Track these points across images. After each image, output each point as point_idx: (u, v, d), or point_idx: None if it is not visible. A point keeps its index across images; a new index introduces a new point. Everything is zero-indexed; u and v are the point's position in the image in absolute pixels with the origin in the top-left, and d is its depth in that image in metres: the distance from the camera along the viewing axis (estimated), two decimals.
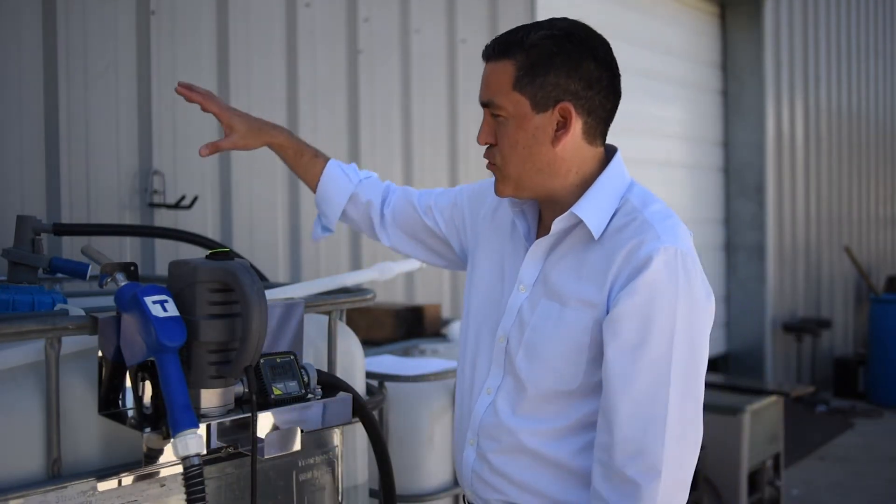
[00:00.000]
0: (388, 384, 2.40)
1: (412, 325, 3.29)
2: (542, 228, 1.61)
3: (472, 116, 4.31)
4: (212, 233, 3.17)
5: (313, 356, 1.77)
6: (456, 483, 2.49)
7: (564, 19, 1.50)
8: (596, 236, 1.48)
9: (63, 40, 2.72)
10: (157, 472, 1.40)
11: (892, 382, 7.75)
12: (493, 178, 1.59)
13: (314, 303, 1.77)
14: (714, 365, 7.35)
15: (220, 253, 1.38)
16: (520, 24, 1.56)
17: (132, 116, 2.94)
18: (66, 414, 1.35)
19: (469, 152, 4.40)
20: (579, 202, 1.49)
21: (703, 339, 1.44)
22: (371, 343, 3.02)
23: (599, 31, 1.54)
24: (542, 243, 1.55)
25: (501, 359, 1.58)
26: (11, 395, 1.32)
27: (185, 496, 1.26)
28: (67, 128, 2.74)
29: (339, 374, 1.80)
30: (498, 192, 1.55)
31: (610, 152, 1.57)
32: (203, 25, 3.18)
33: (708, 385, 4.99)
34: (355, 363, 1.91)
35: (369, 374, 2.26)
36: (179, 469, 1.28)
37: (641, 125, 6.39)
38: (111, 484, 1.36)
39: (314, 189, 1.93)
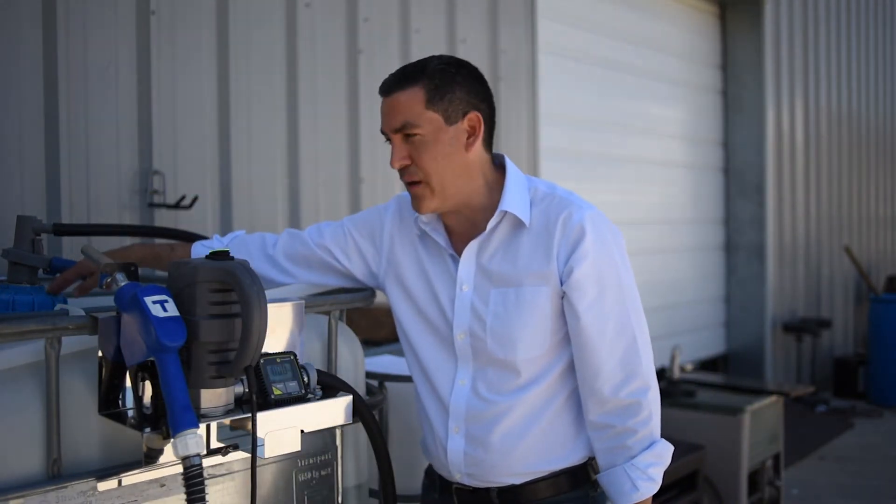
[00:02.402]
0: (388, 384, 2.40)
1: None
2: (453, 238, 1.80)
3: None
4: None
5: (313, 356, 1.77)
6: None
7: (445, 54, 1.76)
8: (527, 223, 1.71)
9: (63, 40, 2.71)
10: (157, 473, 1.40)
11: (892, 382, 7.75)
12: (396, 208, 1.86)
13: (314, 303, 1.77)
14: (714, 365, 7.36)
15: (220, 253, 1.38)
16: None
17: (132, 116, 2.94)
18: (66, 414, 1.35)
19: None
20: (503, 200, 1.71)
21: (629, 266, 1.75)
22: (371, 343, 3.01)
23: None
24: (475, 244, 1.75)
25: (468, 352, 1.76)
26: (11, 395, 1.32)
27: (185, 496, 1.26)
28: (67, 128, 2.74)
29: (339, 374, 1.80)
30: (422, 208, 1.71)
31: (499, 158, 1.80)
32: (203, 25, 3.18)
33: (708, 385, 4.93)
34: (355, 363, 1.91)
35: (369, 374, 2.26)
36: (179, 469, 1.28)
37: (641, 125, 6.39)
38: (111, 484, 1.36)
39: None
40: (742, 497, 4.10)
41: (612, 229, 1.73)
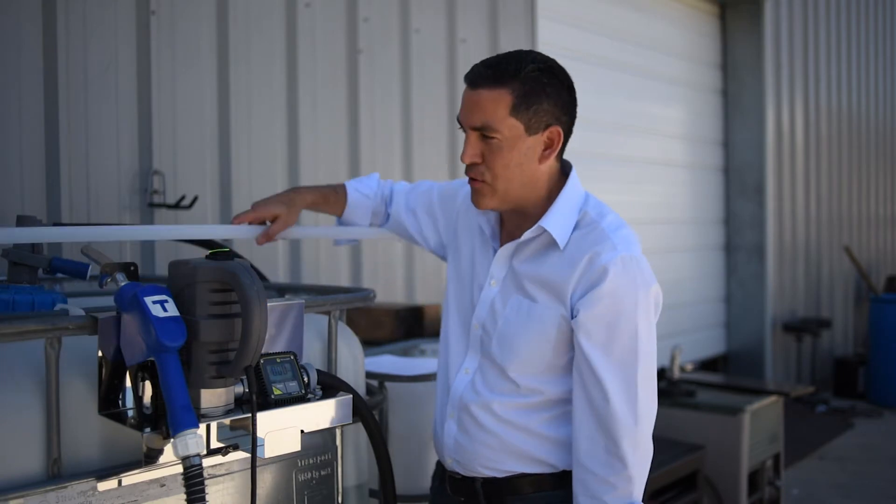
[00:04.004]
0: (388, 384, 2.40)
1: (412, 325, 3.29)
2: (503, 231, 1.82)
3: None
4: None
5: (313, 356, 1.77)
6: None
7: (539, 53, 1.69)
8: (561, 246, 1.68)
9: (63, 40, 2.72)
10: (157, 473, 1.40)
11: (892, 382, 7.75)
12: (469, 189, 1.79)
13: (314, 303, 1.77)
14: (714, 365, 7.36)
15: (220, 253, 1.38)
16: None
17: (132, 116, 2.94)
18: (66, 414, 1.35)
19: None
20: (546, 216, 1.70)
21: (653, 323, 1.68)
22: (371, 343, 3.01)
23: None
24: (511, 246, 1.75)
25: (477, 344, 1.79)
26: (11, 395, 1.32)
27: (185, 496, 1.26)
28: (67, 128, 2.74)
29: (339, 374, 1.80)
30: (480, 205, 1.72)
31: (566, 167, 1.77)
32: (203, 25, 3.18)
33: (708, 385, 4.93)
34: (355, 363, 1.91)
35: (369, 374, 2.26)
36: (179, 469, 1.28)
37: (641, 125, 6.39)
38: (111, 484, 1.35)
39: (339, 215, 2.11)
40: (742, 497, 4.10)
41: (645, 279, 1.66)
